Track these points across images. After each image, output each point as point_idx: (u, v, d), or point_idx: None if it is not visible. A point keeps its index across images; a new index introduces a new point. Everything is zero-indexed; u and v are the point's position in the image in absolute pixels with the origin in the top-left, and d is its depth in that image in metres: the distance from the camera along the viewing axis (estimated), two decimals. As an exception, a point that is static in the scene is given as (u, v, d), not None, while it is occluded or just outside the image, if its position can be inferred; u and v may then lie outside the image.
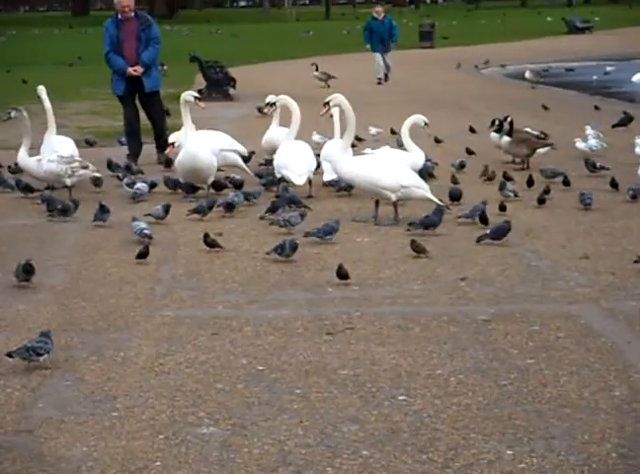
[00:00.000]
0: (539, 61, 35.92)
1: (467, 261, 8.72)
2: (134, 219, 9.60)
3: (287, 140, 11.62)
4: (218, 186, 11.77)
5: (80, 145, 14.08)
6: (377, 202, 10.28)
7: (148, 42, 14.07)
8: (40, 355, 6.18)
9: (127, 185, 11.77)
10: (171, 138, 12.78)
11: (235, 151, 12.55)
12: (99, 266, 8.81)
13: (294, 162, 11.22)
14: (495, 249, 9.08)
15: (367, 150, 12.19)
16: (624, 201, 11.01)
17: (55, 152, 11.91)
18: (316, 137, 14.32)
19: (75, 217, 10.51)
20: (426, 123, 11.56)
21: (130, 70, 13.96)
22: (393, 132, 15.56)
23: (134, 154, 14.22)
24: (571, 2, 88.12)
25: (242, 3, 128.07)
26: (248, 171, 12.47)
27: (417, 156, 11.36)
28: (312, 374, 6.12)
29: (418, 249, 8.83)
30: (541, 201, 10.86)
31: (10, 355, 6.20)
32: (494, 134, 13.77)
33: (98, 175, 11.99)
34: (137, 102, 14.45)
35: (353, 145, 11.61)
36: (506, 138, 13.33)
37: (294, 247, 8.67)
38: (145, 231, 9.36)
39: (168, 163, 13.26)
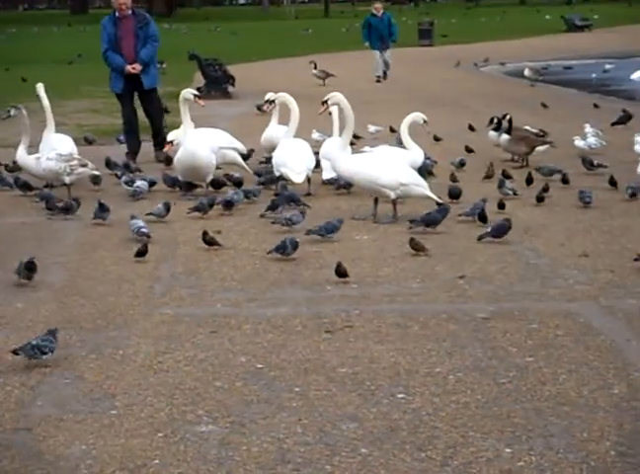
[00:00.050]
0: (539, 59, 35.94)
1: (466, 259, 8.72)
2: (132, 217, 9.60)
3: (286, 138, 11.62)
4: (217, 184, 11.77)
5: (79, 143, 14.08)
6: (376, 200, 10.27)
7: (146, 40, 14.06)
8: (45, 353, 6.20)
9: (126, 183, 11.76)
10: (170, 136, 12.78)
11: (234, 149, 12.55)
12: (98, 264, 8.81)
13: (293, 160, 11.21)
14: (494, 247, 9.08)
15: (366, 148, 12.20)
16: (623, 200, 11.01)
17: (54, 150, 11.90)
18: (316, 135, 14.32)
19: (74, 215, 10.50)
20: (425, 121, 11.57)
21: (129, 68, 13.95)
22: (392, 130, 15.55)
23: (133, 152, 14.21)
24: (570, 0, 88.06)
25: (241, 1, 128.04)
26: (247, 169, 12.46)
27: (416, 154, 11.36)
28: (311, 372, 6.12)
29: (417, 247, 8.83)
30: (540, 199, 10.86)
31: (15, 352, 6.21)
32: (492, 133, 13.78)
33: (97, 173, 11.98)
34: (136, 100, 14.45)
35: (351, 143, 11.61)
36: (505, 136, 13.33)
37: (295, 245, 8.67)
38: (143, 229, 9.36)
39: (168, 161, 13.25)
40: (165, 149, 12.87)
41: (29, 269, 7.97)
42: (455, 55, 36.77)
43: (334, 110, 11.65)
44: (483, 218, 9.85)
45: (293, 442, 5.16)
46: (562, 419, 5.38)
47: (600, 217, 10.29)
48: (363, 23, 30.07)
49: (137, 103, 14.52)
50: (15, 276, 8.05)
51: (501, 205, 10.41)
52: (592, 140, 13.95)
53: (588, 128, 14.51)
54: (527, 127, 14.04)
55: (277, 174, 11.44)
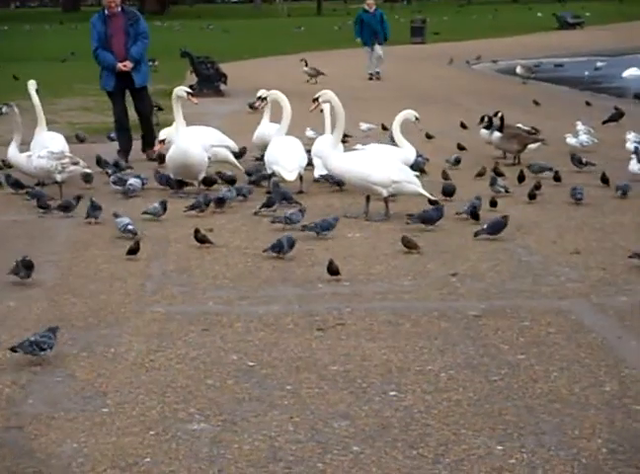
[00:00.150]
0: (530, 57, 35.95)
1: (458, 256, 8.72)
2: (117, 216, 9.59)
3: (278, 136, 11.61)
4: (209, 182, 11.76)
5: (70, 141, 14.05)
6: (368, 198, 10.27)
7: (137, 37, 14.02)
8: (44, 349, 6.19)
9: (114, 182, 11.73)
10: (161, 134, 12.76)
11: (226, 147, 12.54)
12: (89, 262, 8.80)
13: (285, 158, 11.20)
14: (486, 244, 9.09)
15: (358, 146, 12.20)
16: (615, 197, 11.02)
17: (46, 148, 11.88)
18: (309, 133, 14.33)
19: (73, 213, 10.47)
20: (417, 118, 11.58)
21: (120, 66, 13.92)
22: (384, 128, 15.55)
23: (125, 150, 14.19)
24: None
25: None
26: (239, 167, 12.46)
27: (408, 152, 11.37)
28: (303, 370, 6.12)
29: (409, 244, 8.83)
30: (532, 197, 10.87)
31: (14, 349, 6.20)
32: (484, 131, 13.78)
33: (88, 171, 11.95)
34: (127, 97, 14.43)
35: (343, 141, 11.60)
36: (497, 134, 13.34)
37: (292, 244, 8.66)
38: (129, 226, 9.37)
39: (162, 159, 13.22)
40: (156, 148, 12.83)
41: (27, 267, 7.95)
42: (448, 53, 36.80)
43: (326, 107, 11.64)
44: (475, 216, 9.86)
45: (285, 440, 5.16)
46: (553, 416, 5.39)
47: (592, 215, 10.30)
48: (356, 19, 30.08)
49: (128, 100, 14.49)
50: (8, 275, 7.98)
51: (493, 203, 10.42)
52: (583, 138, 13.97)
53: (579, 126, 14.54)
54: (519, 125, 14.05)
55: (268, 172, 11.43)
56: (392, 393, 5.75)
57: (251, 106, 18.98)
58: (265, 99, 12.55)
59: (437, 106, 20.90)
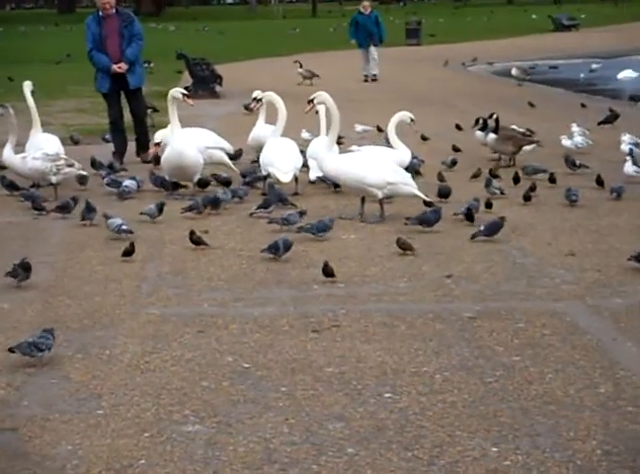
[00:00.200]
0: (526, 59, 35.97)
1: (453, 258, 8.72)
2: (108, 217, 9.57)
3: (273, 137, 11.60)
4: (204, 183, 11.75)
5: (65, 143, 14.04)
6: (363, 200, 10.27)
7: (131, 39, 13.99)
8: (42, 350, 6.19)
9: (107, 184, 11.73)
10: (157, 136, 12.75)
11: (221, 149, 12.54)
12: (84, 263, 8.79)
13: (280, 159, 11.19)
14: (481, 246, 9.09)
15: (354, 147, 12.19)
16: (610, 199, 11.02)
17: (41, 150, 11.87)
18: (305, 135, 14.32)
19: (64, 215, 10.46)
20: (412, 120, 11.57)
21: (115, 67, 13.90)
22: (380, 130, 15.55)
23: (120, 152, 14.18)
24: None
25: (229, 0, 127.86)
26: (234, 168, 12.45)
27: (403, 154, 11.36)
28: (298, 372, 6.11)
29: (404, 246, 8.83)
30: (527, 199, 10.88)
31: (11, 350, 6.19)
32: (479, 133, 13.78)
33: (83, 173, 11.95)
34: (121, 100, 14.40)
35: (338, 143, 11.59)
36: (492, 136, 13.34)
37: (288, 247, 8.65)
38: (124, 227, 9.37)
39: (157, 161, 13.20)
40: (151, 151, 12.81)
41: (25, 269, 7.94)
42: (443, 55, 36.80)
43: (321, 109, 11.64)
44: (470, 217, 9.86)
45: (280, 442, 5.16)
46: (548, 418, 5.39)
47: (587, 217, 10.31)
48: (351, 21, 30.11)
49: (123, 102, 14.47)
50: (5, 277, 7.98)
51: (488, 205, 10.42)
52: (578, 140, 13.98)
53: (574, 128, 14.54)
54: (514, 127, 14.05)
55: (264, 173, 11.43)
56: (387, 395, 5.75)
57: (246, 107, 18.97)
58: (260, 100, 12.53)
59: (432, 107, 20.91)
